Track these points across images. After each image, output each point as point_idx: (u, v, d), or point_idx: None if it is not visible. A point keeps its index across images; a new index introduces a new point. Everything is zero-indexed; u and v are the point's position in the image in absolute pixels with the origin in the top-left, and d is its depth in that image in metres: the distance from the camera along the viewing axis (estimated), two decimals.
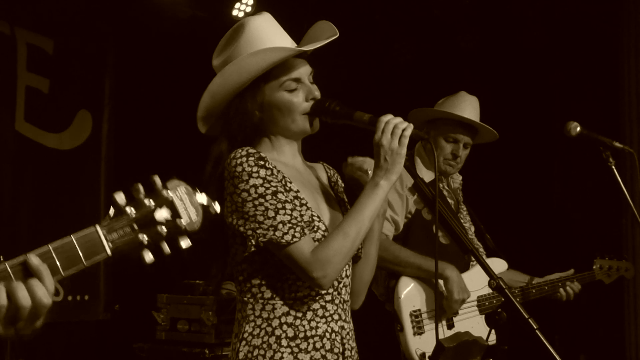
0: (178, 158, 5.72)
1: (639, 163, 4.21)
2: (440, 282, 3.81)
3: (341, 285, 2.57)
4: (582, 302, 4.44)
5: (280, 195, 2.42)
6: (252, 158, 2.43)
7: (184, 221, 1.67)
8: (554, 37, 6.35)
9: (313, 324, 2.49)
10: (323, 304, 2.51)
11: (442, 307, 3.83)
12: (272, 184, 2.43)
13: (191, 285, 5.42)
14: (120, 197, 1.64)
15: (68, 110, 6.06)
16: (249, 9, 6.14)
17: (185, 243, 1.68)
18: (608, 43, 6.08)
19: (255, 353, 2.45)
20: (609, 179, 4.01)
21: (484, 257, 4.16)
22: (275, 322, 2.46)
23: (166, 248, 1.66)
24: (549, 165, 6.64)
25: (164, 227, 1.65)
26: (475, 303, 3.96)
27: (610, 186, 4.09)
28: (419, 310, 3.81)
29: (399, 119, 2.47)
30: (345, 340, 2.55)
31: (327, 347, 2.50)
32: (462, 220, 4.19)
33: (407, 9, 6.57)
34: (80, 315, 5.92)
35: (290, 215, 2.41)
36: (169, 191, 1.67)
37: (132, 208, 1.63)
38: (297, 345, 2.46)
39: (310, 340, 2.47)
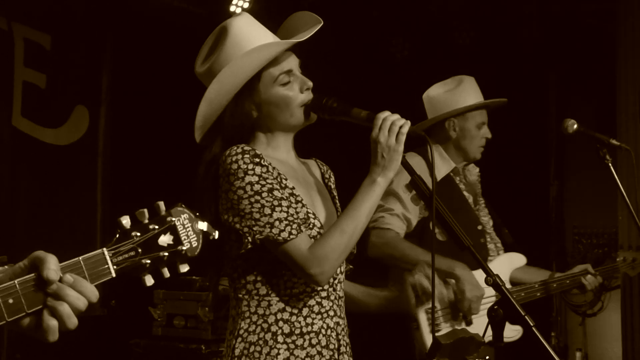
0: (175, 154, 5.72)
1: (636, 160, 4.22)
2: (453, 281, 3.79)
3: (336, 281, 2.58)
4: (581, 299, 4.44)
5: (276, 193, 2.42)
6: (248, 155, 2.43)
7: (185, 247, 1.73)
8: (550, 33, 6.36)
9: (309, 320, 2.49)
10: (319, 300, 2.52)
11: (457, 307, 3.80)
12: (268, 181, 2.42)
13: (188, 281, 5.42)
14: (126, 221, 1.70)
15: (65, 105, 6.05)
16: (246, 5, 6.13)
17: (184, 268, 1.75)
18: (605, 40, 6.09)
19: (251, 349, 2.45)
20: (606, 176, 4.02)
21: (502, 251, 4.15)
22: (271, 319, 2.47)
23: (166, 272, 1.72)
24: (546, 163, 6.65)
25: (165, 252, 1.71)
26: (494, 299, 3.91)
27: (607, 183, 4.09)
28: (435, 307, 3.77)
29: (396, 116, 2.47)
30: (340, 337, 2.56)
31: (323, 343, 2.50)
32: (480, 214, 4.16)
33: (404, 6, 6.57)
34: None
35: (287, 212, 2.41)
36: (172, 217, 1.73)
37: (137, 232, 1.69)
38: (293, 342, 2.46)
39: (307, 337, 2.48)
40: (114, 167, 6.30)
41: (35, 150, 5.78)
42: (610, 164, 4.00)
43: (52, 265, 1.60)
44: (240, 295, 2.52)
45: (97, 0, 6.02)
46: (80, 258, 1.65)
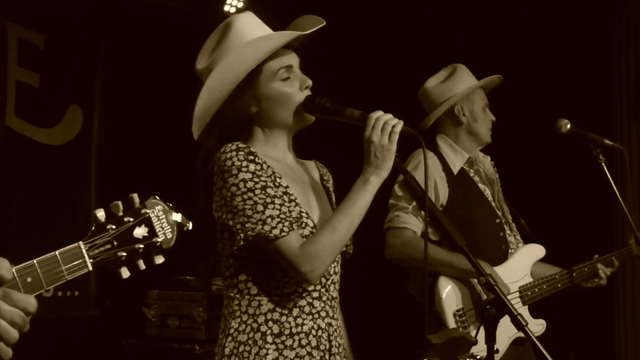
0: (170, 154, 5.71)
1: (629, 160, 4.22)
2: (475, 281, 3.74)
3: (329, 282, 2.57)
4: (573, 299, 4.43)
5: (269, 190, 2.42)
6: (242, 152, 2.43)
7: (160, 239, 1.76)
8: (546, 33, 6.36)
9: (299, 320, 2.49)
10: (310, 300, 2.52)
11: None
12: (262, 178, 2.43)
13: (182, 281, 5.41)
14: (100, 214, 1.72)
15: (59, 105, 6.03)
16: (240, 5, 6.13)
17: (159, 260, 1.78)
18: (600, 40, 6.09)
19: (240, 349, 2.45)
20: (600, 176, 4.02)
21: (521, 243, 4.09)
22: (261, 319, 2.47)
23: (142, 265, 1.75)
24: (540, 163, 6.65)
25: (141, 245, 1.74)
26: (518, 294, 3.86)
27: (600, 183, 4.09)
28: (463, 309, 3.73)
29: (389, 116, 2.47)
30: (332, 337, 2.56)
31: (313, 344, 2.50)
32: (502, 205, 4.11)
33: (400, 6, 6.57)
34: (71, 310, 5.90)
35: (279, 210, 2.42)
36: (146, 209, 1.76)
37: (112, 225, 1.71)
38: (283, 342, 2.46)
39: (296, 337, 2.48)
40: (107, 166, 6.29)
41: (29, 150, 5.76)
42: (603, 164, 4.00)
43: (5, 264, 1.59)
44: (232, 294, 2.52)
45: None
46: (56, 252, 1.66)
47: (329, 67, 6.10)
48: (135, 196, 1.76)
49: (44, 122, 5.89)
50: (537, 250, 4.06)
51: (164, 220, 1.76)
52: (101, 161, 6.28)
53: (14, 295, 1.59)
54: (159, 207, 1.76)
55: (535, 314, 3.92)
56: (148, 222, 1.74)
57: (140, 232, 1.73)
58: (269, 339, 2.45)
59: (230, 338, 2.48)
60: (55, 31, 5.94)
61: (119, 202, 1.73)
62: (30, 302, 1.61)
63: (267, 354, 2.44)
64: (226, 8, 6.16)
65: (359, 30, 6.64)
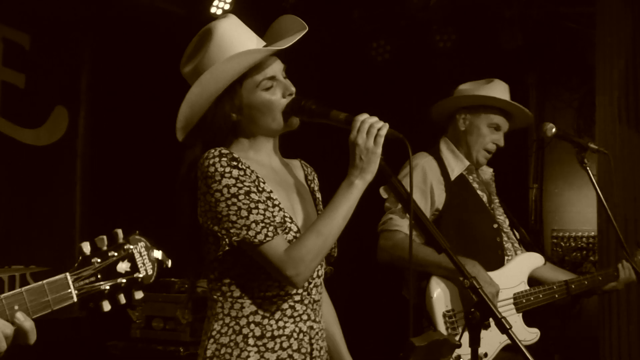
0: (155, 156, 5.70)
1: (614, 165, 4.23)
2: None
3: (311, 285, 2.58)
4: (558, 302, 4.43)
5: (253, 195, 2.43)
6: (225, 158, 2.44)
7: (141, 275, 1.82)
8: (531, 36, 6.38)
9: (281, 323, 2.50)
10: (292, 304, 2.52)
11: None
12: (245, 183, 2.43)
13: (166, 283, 5.40)
14: (86, 248, 1.77)
15: (44, 106, 6.01)
16: (227, 7, 6.13)
17: (139, 295, 1.84)
18: (585, 43, 6.12)
19: (222, 351, 2.46)
20: (585, 180, 4.03)
21: (520, 251, 4.07)
22: (243, 321, 2.47)
23: (122, 299, 1.81)
24: (526, 166, 6.68)
25: (123, 279, 1.79)
26: (512, 301, 3.84)
27: (586, 187, 4.11)
28: (453, 310, 3.71)
29: (374, 119, 2.48)
30: (314, 341, 2.56)
31: (295, 347, 2.51)
32: (496, 213, 4.07)
33: (385, 8, 6.58)
34: (55, 312, 5.87)
35: (263, 215, 2.42)
36: (130, 245, 1.82)
37: (97, 258, 1.77)
38: (264, 345, 2.47)
39: (277, 340, 2.48)
40: (93, 167, 6.27)
41: (14, 151, 5.74)
42: (588, 168, 4.01)
43: None
44: (216, 297, 2.53)
45: (77, 0, 5.99)
46: (44, 282, 1.71)
47: (314, 69, 6.11)
48: (120, 231, 1.81)
49: (29, 122, 5.87)
50: (535, 259, 4.03)
51: (146, 257, 1.82)
52: (86, 162, 6.26)
53: None
54: (142, 244, 1.83)
55: (528, 322, 3.90)
56: (131, 258, 1.80)
57: (123, 267, 1.79)
58: (251, 341, 2.46)
59: (212, 340, 2.48)
60: (41, 31, 5.92)
61: (104, 237, 1.78)
62: (6, 331, 1.63)
63: (248, 356, 2.44)
64: (213, 10, 6.16)
65: (344, 32, 6.65)
